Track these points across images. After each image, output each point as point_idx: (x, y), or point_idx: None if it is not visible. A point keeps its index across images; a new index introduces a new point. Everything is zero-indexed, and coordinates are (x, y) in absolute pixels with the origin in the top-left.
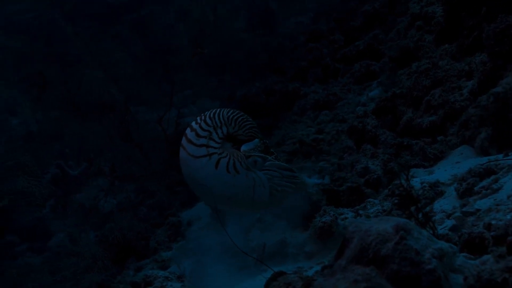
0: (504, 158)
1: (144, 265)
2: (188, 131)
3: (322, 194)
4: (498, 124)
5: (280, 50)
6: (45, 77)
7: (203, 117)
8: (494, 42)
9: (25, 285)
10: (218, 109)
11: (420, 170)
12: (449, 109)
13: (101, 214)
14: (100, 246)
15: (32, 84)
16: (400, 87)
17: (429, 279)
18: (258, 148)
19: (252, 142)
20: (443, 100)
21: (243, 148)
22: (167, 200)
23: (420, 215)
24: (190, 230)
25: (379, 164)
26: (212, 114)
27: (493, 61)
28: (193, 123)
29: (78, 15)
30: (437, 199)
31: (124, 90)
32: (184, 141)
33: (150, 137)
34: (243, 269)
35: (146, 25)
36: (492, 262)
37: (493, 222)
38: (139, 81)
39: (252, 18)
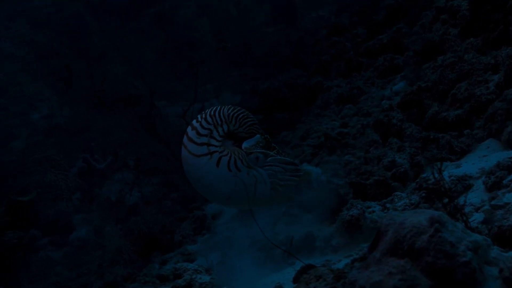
0: None
1: (169, 258)
2: (189, 129)
3: (349, 188)
4: None
5: (302, 44)
6: (71, 71)
7: (203, 116)
8: None
9: (48, 278)
10: (219, 107)
11: (447, 163)
12: (475, 103)
13: (126, 208)
14: (125, 239)
15: (59, 78)
16: (426, 81)
17: (464, 272)
18: (260, 143)
19: (254, 138)
20: (469, 93)
21: (244, 145)
22: (192, 193)
23: (451, 208)
24: (215, 223)
25: (406, 158)
26: (212, 112)
27: None
28: (194, 122)
29: (102, 9)
30: (465, 193)
31: (149, 84)
32: (185, 139)
33: (174, 131)
34: (270, 262)
35: (168, 19)
36: None
37: None
38: (163, 75)
39: (274, 12)
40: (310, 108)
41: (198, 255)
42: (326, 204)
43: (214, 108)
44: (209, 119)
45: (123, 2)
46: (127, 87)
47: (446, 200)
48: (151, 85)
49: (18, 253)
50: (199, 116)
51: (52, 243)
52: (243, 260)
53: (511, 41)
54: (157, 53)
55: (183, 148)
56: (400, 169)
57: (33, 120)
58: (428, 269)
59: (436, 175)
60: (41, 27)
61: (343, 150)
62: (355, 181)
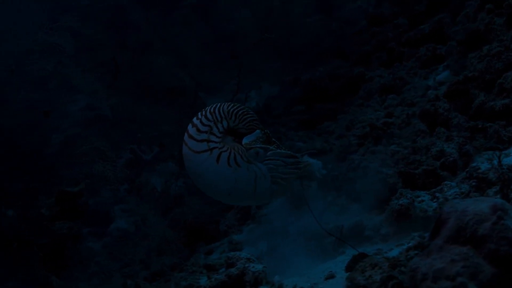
0: None
1: (214, 248)
2: (189, 127)
3: (398, 177)
4: None
5: (342, 34)
6: (117, 63)
7: (203, 112)
8: None
9: (90, 268)
10: (218, 104)
11: (496, 152)
12: None
13: (171, 198)
14: (172, 229)
15: (105, 70)
16: (472, 70)
17: None
18: (260, 139)
19: (253, 134)
20: None
21: (244, 140)
22: None
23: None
24: (260, 213)
25: (454, 147)
26: (212, 109)
27: None
28: (194, 119)
29: (145, 0)
30: None
31: (193, 75)
32: (186, 137)
33: None
34: (320, 251)
35: (210, 9)
36: None
37: None
38: (206, 66)
39: (315, 3)
40: (352, 99)
41: (244, 244)
42: (374, 193)
43: (214, 105)
44: (209, 115)
45: None
46: (172, 78)
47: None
48: (196, 76)
49: (68, 243)
50: (199, 114)
51: (92, 233)
52: (293, 249)
53: None
54: (200, 44)
55: (183, 145)
56: (449, 159)
57: (80, 111)
58: (491, 256)
59: (495, 163)
60: (88, 19)
61: (389, 140)
62: (404, 171)
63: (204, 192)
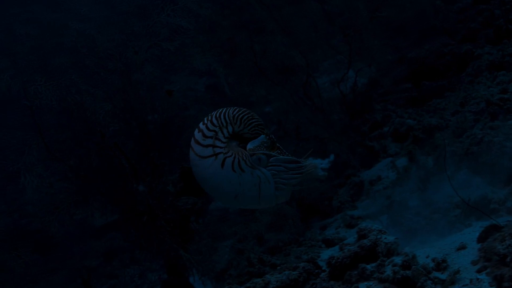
0: None
1: (328, 223)
2: (195, 132)
3: None
4: None
5: (447, 12)
6: (234, 43)
7: (209, 118)
8: None
9: (207, 242)
10: (224, 109)
11: None
12: None
13: None
14: (288, 205)
15: (223, 50)
16: None
17: None
18: (264, 144)
19: (258, 139)
20: None
21: (249, 146)
22: (347, 160)
23: None
24: (374, 189)
25: None
26: (218, 114)
27: None
28: (201, 124)
29: None
30: None
31: (305, 54)
32: (192, 142)
33: (329, 100)
34: (445, 223)
35: None
36: None
37: None
38: (318, 45)
39: None
40: (460, 76)
41: (364, 219)
42: (499, 167)
43: (220, 110)
44: (214, 121)
45: None
46: (284, 58)
47: None
48: (308, 55)
49: (192, 218)
50: (205, 119)
51: (213, 209)
52: (416, 223)
53: None
54: (309, 24)
55: (190, 150)
56: None
57: (200, 90)
58: None
59: None
60: (205, 0)
61: (506, 116)
62: None
63: (211, 195)
